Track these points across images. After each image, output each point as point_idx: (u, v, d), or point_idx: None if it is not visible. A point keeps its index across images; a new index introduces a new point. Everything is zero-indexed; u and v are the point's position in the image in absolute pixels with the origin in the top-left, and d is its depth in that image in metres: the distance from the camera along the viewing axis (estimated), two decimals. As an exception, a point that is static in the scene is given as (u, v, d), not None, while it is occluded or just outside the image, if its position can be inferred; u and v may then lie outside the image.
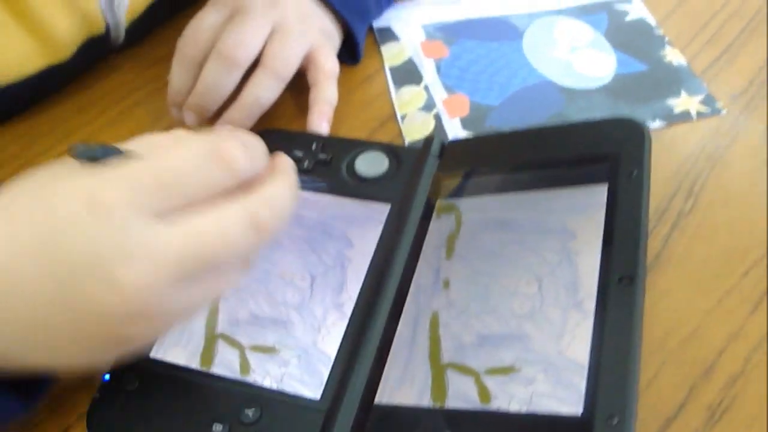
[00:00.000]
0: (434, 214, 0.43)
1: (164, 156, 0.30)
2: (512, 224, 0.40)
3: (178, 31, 0.50)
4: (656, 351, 0.40)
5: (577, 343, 0.34)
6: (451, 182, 0.44)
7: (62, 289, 0.28)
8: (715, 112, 0.51)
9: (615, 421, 0.30)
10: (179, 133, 0.34)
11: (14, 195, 0.31)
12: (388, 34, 0.58)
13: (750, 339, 0.40)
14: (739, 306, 0.42)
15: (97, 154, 0.30)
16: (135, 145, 0.32)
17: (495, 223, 0.41)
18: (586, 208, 0.39)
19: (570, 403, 0.32)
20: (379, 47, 0.57)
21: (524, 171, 0.43)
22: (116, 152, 0.31)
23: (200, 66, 0.48)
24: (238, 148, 0.32)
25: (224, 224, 0.30)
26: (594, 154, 0.41)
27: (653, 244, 0.45)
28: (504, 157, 0.44)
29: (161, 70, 0.55)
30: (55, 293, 0.28)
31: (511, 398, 0.33)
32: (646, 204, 0.38)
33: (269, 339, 0.40)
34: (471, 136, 0.49)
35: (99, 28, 0.51)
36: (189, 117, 0.48)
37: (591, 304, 0.35)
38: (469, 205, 0.43)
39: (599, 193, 0.39)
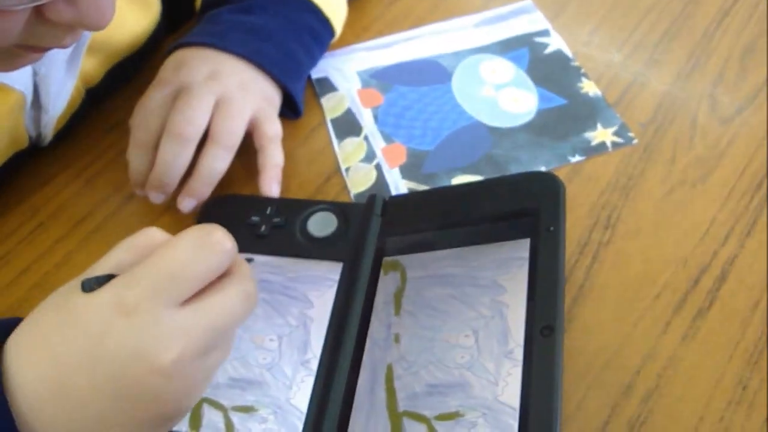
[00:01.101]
0: (381, 272, 0.51)
1: (165, 254, 0.37)
2: (450, 279, 0.48)
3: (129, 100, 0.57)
4: (582, 376, 0.48)
5: (509, 389, 0.42)
6: (394, 239, 0.52)
7: (114, 388, 0.35)
8: (628, 141, 0.60)
9: (543, 458, 0.39)
10: (157, 233, 0.40)
11: (39, 324, 0.37)
12: (326, 85, 0.65)
13: (661, 357, 0.49)
14: (652, 327, 0.51)
15: (101, 280, 0.37)
16: (132, 251, 0.39)
17: (435, 279, 0.49)
18: (512, 262, 0.47)
19: (507, 444, 0.40)
20: (318, 99, 0.64)
21: (456, 227, 0.51)
22: (114, 276, 0.38)
23: (155, 146, 0.55)
24: (224, 234, 0.39)
25: (230, 302, 0.37)
26: (516, 209, 0.49)
27: (577, 275, 0.53)
28: (438, 214, 0.52)
29: (115, 138, 0.62)
30: (109, 394, 0.35)
31: (458, 442, 0.42)
32: (562, 258, 0.46)
33: (248, 398, 0.47)
34: (409, 193, 0.57)
35: (24, 143, 0.57)
36: (154, 196, 0.55)
37: (520, 354, 0.43)
38: (411, 261, 0.50)
39: (523, 248, 0.47)
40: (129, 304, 0.35)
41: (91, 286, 0.37)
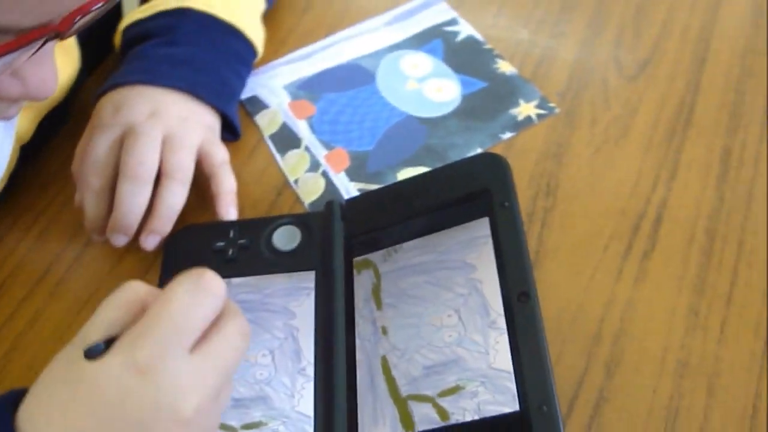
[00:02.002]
0: (354, 272, 0.55)
1: (164, 307, 0.40)
2: (422, 267, 0.53)
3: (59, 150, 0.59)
4: (555, 333, 0.54)
5: (500, 356, 0.47)
6: (360, 240, 0.56)
7: None
8: (550, 111, 0.66)
9: (545, 408, 0.44)
10: (140, 287, 0.43)
11: (52, 399, 0.39)
12: (257, 103, 0.68)
13: (620, 302, 0.56)
14: (606, 277, 0.57)
15: (103, 347, 0.39)
16: (122, 308, 0.41)
17: (407, 269, 0.53)
18: (476, 241, 0.52)
19: (508, 404, 0.45)
20: (252, 117, 0.67)
21: (417, 218, 0.55)
22: (114, 339, 0.40)
23: (109, 190, 0.57)
24: (213, 276, 0.41)
25: (231, 341, 0.41)
26: (469, 191, 0.54)
27: (530, 242, 0.59)
28: (397, 209, 0.56)
29: (56, 191, 0.63)
30: None
31: (465, 411, 0.46)
32: (521, 228, 0.51)
33: (255, 415, 0.51)
34: (364, 193, 0.61)
35: None
36: (117, 239, 0.57)
37: (502, 322, 0.48)
38: (380, 257, 0.55)
39: (483, 227, 0.52)
40: (141, 363, 0.38)
41: (96, 353, 0.39)
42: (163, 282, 0.56)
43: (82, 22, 0.39)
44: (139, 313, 0.41)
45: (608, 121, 0.65)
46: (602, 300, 0.56)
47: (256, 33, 0.66)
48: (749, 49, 0.69)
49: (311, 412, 0.50)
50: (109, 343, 0.39)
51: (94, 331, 0.40)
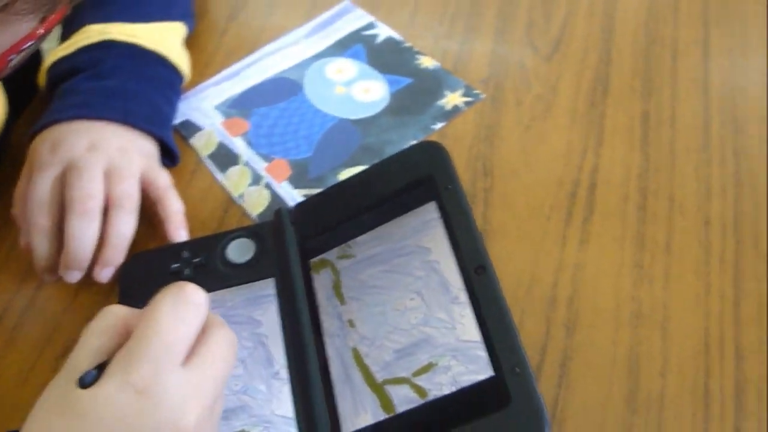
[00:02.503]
0: (312, 272, 0.56)
1: (150, 325, 0.40)
2: (378, 258, 0.55)
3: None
4: (514, 304, 0.56)
5: (466, 328, 0.49)
6: (313, 241, 0.57)
7: None
8: (476, 98, 0.69)
9: (517, 369, 0.46)
10: (120, 310, 0.44)
11: (49, 430, 0.38)
12: (190, 126, 0.69)
13: (569, 266, 0.58)
14: (553, 246, 0.60)
15: (96, 373, 0.39)
16: (107, 333, 0.42)
17: (364, 262, 0.55)
18: (427, 225, 0.54)
19: (482, 371, 0.47)
20: (188, 141, 0.68)
21: (366, 212, 0.57)
22: (104, 365, 0.40)
23: (56, 229, 0.57)
24: (194, 288, 0.42)
25: (220, 351, 0.42)
26: (413, 180, 0.56)
27: (477, 223, 0.61)
28: (345, 206, 0.58)
29: (2, 234, 0.63)
30: None
31: (441, 386, 0.48)
32: (468, 206, 0.53)
33: (236, 425, 0.51)
34: (311, 196, 0.62)
35: None
36: (71, 276, 0.57)
37: (464, 296, 0.50)
38: (336, 255, 0.56)
39: (431, 211, 0.54)
40: (138, 384, 0.38)
41: (90, 380, 0.39)
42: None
43: (15, 61, 0.39)
44: (124, 336, 0.41)
45: (532, 101, 0.68)
46: (552, 267, 0.58)
47: (181, 58, 0.67)
48: (651, 17, 0.74)
49: (291, 414, 0.51)
50: (100, 369, 0.40)
51: (82, 359, 0.40)
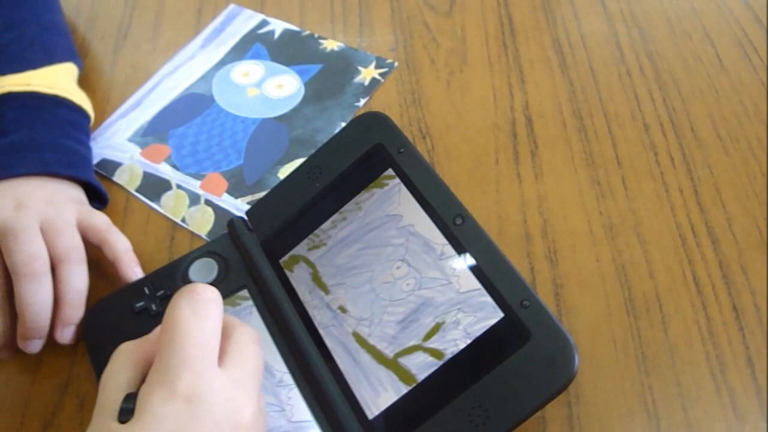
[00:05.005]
0: (286, 271, 0.54)
1: (174, 333, 0.39)
2: (350, 238, 0.53)
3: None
4: (491, 249, 0.56)
5: (463, 278, 0.48)
6: (277, 241, 0.55)
7: None
8: (390, 67, 0.68)
9: (526, 303, 0.45)
10: (130, 344, 0.42)
11: None
12: (108, 165, 0.65)
13: (532, 200, 0.58)
14: (509, 186, 0.59)
15: (132, 405, 0.38)
16: (129, 366, 0.40)
17: (337, 246, 0.53)
18: (390, 192, 0.53)
19: (492, 315, 0.46)
20: (111, 179, 0.64)
21: (324, 198, 0.55)
22: (133, 395, 0.38)
23: (4, 301, 0.52)
24: (203, 285, 0.42)
25: (249, 348, 0.41)
26: (363, 153, 0.55)
27: (430, 183, 0.60)
28: (301, 197, 0.56)
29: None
30: None
31: (456, 342, 0.47)
32: (426, 162, 0.53)
33: (257, 444, 0.48)
34: (261, 198, 0.59)
35: None
36: (32, 346, 0.52)
37: (450, 250, 0.49)
38: (305, 248, 0.54)
39: (390, 178, 0.53)
40: (185, 392, 0.37)
41: (128, 411, 0.38)
42: (96, 364, 0.52)
43: None
44: (144, 364, 0.41)
45: (445, 56, 0.68)
46: (516, 205, 0.58)
47: (81, 98, 0.63)
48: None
49: (309, 416, 0.49)
50: (133, 398, 0.38)
51: (113, 400, 0.39)
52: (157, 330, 0.42)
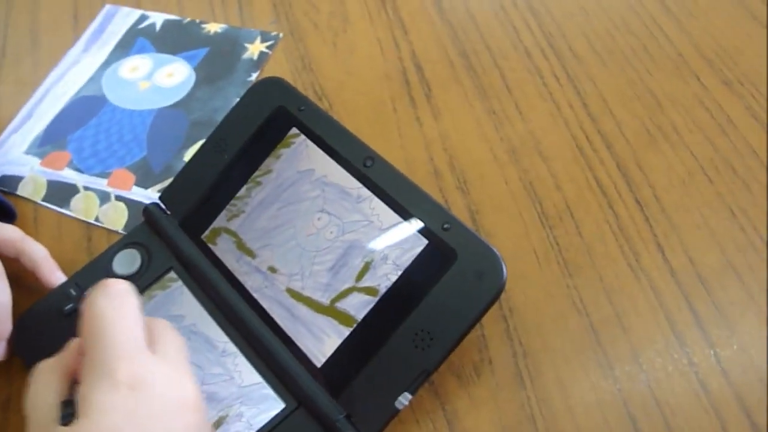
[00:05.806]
0: (209, 245, 0.54)
1: (97, 329, 0.38)
2: (267, 200, 0.53)
3: None
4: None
5: (383, 216, 0.49)
6: (195, 218, 0.55)
7: None
8: (276, 39, 0.68)
9: (447, 225, 0.47)
10: (50, 360, 0.41)
11: None
12: (10, 180, 0.63)
13: (435, 139, 0.60)
14: (416, 132, 0.61)
15: (72, 408, 0.37)
16: (55, 376, 0.39)
17: (255, 210, 0.53)
18: (296, 150, 0.53)
19: (416, 244, 0.47)
20: (15, 194, 0.62)
21: (234, 169, 0.55)
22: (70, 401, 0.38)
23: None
24: (113, 279, 0.41)
25: (171, 333, 0.41)
26: (265, 117, 0.55)
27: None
28: (212, 172, 0.56)
29: None
30: None
31: (387, 276, 0.48)
32: (327, 114, 0.53)
33: (213, 415, 0.48)
34: (171, 181, 0.59)
35: None
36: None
37: (366, 191, 0.50)
38: (224, 219, 0.54)
39: (295, 137, 0.54)
40: (125, 379, 0.36)
41: (70, 412, 0.37)
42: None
43: None
44: (69, 374, 0.40)
45: (326, 20, 0.69)
46: (420, 146, 0.60)
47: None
48: None
49: (259, 378, 0.49)
50: (70, 404, 0.37)
51: (46, 411, 0.38)
52: (72, 342, 0.41)
